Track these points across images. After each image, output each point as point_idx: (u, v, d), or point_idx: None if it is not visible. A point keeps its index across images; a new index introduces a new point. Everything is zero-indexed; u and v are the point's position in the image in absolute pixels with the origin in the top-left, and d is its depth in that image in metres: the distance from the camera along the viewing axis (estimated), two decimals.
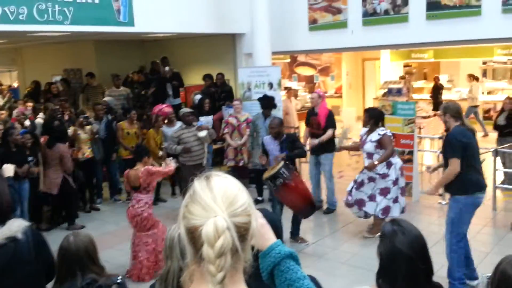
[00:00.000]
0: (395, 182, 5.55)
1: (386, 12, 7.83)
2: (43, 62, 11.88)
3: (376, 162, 5.46)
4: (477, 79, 11.68)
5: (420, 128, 9.85)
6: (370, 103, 14.41)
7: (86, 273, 2.37)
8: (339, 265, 5.08)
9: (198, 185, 1.16)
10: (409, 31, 7.63)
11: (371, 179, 5.57)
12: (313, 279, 1.92)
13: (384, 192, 5.55)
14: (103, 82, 9.99)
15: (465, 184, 4.21)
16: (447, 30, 7.29)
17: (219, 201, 1.10)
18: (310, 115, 6.90)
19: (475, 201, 4.27)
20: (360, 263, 5.06)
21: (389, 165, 5.54)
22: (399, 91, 8.70)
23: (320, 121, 6.64)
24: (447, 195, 6.92)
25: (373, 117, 5.58)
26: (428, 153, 9.13)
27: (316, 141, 6.57)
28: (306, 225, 5.79)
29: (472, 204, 4.27)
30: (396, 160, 5.63)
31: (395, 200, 5.59)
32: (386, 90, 12.45)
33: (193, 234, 1.10)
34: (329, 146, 6.60)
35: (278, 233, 1.96)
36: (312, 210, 5.37)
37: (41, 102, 9.72)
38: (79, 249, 2.39)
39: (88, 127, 7.10)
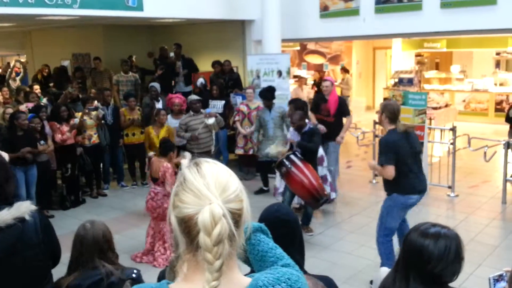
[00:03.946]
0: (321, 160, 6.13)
1: None
2: (52, 46, 11.85)
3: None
4: (347, 71, 13.28)
5: (430, 119, 9.71)
6: (380, 93, 14.28)
7: (103, 260, 2.40)
8: (344, 255, 5.05)
9: (188, 172, 1.12)
10: (423, 20, 7.47)
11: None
12: (330, 281, 1.87)
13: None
14: (111, 67, 9.95)
15: (396, 188, 4.15)
16: (462, 19, 7.12)
17: (212, 188, 1.08)
18: (319, 102, 6.80)
19: (407, 201, 4.21)
20: (365, 253, 5.02)
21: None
22: (410, 81, 8.56)
23: (330, 108, 6.56)
24: (456, 187, 6.87)
25: (297, 109, 5.77)
26: (438, 144, 9.03)
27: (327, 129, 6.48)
28: (312, 214, 5.75)
29: (403, 203, 4.21)
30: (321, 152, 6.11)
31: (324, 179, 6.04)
32: (397, 79, 12.33)
33: (187, 224, 1.07)
34: (338, 135, 6.55)
35: (298, 230, 1.90)
36: (316, 203, 5.26)
37: (50, 86, 9.70)
38: (98, 236, 2.41)
39: (94, 113, 7.08)
